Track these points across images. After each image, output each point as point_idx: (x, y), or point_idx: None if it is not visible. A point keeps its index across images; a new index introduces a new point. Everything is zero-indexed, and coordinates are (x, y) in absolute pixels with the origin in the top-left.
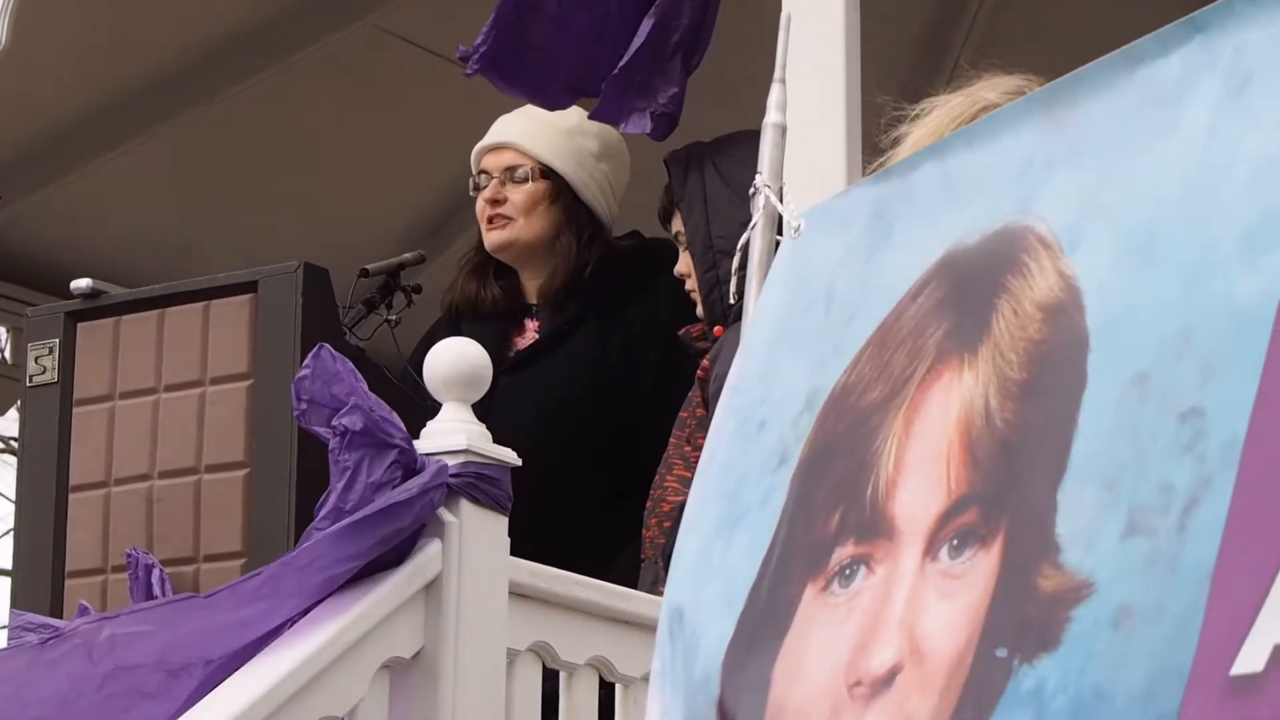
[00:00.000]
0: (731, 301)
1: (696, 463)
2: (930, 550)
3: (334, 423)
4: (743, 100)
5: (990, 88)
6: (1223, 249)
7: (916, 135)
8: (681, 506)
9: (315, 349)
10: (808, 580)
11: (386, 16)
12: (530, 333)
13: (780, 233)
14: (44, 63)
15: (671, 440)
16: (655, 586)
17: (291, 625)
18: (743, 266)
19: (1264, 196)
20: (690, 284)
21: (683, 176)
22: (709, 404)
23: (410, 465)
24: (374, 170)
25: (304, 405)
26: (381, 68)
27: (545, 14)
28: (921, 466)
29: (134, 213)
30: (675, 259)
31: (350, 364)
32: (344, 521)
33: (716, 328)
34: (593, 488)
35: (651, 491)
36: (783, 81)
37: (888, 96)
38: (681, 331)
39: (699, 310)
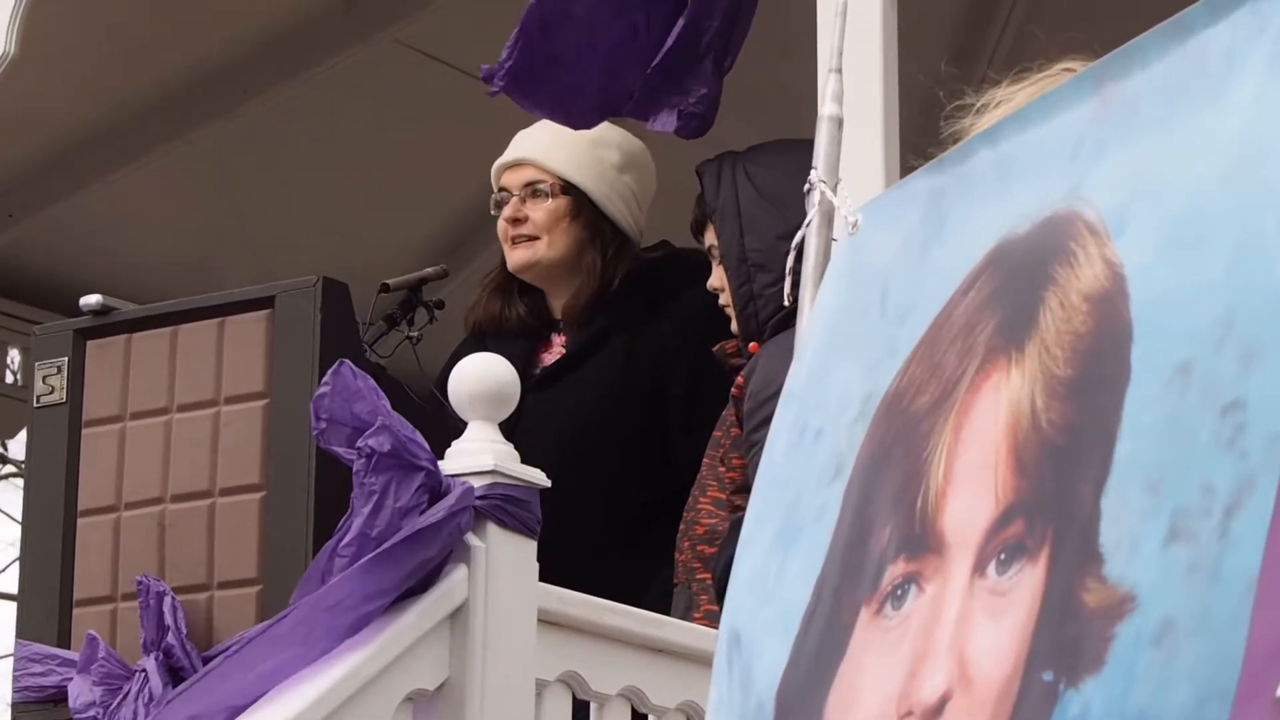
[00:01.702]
0: (786, 303)
1: (731, 484)
2: (979, 566)
3: (359, 444)
4: (772, 110)
5: (1064, 73)
6: (1266, 226)
7: (983, 126)
8: (714, 530)
9: (335, 365)
10: (862, 602)
11: (405, 30)
12: (557, 349)
13: (834, 230)
14: (55, 76)
15: (705, 460)
16: (689, 613)
17: None
18: (797, 266)
19: None
20: (724, 298)
21: (715, 187)
22: (743, 422)
23: (436, 488)
24: (394, 185)
25: (323, 424)
26: (401, 82)
27: (571, 29)
28: (971, 475)
29: (148, 230)
30: (706, 270)
31: (372, 381)
32: (371, 554)
33: (752, 344)
34: (623, 509)
35: (684, 514)
36: (839, 71)
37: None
38: (715, 347)
39: (733, 325)
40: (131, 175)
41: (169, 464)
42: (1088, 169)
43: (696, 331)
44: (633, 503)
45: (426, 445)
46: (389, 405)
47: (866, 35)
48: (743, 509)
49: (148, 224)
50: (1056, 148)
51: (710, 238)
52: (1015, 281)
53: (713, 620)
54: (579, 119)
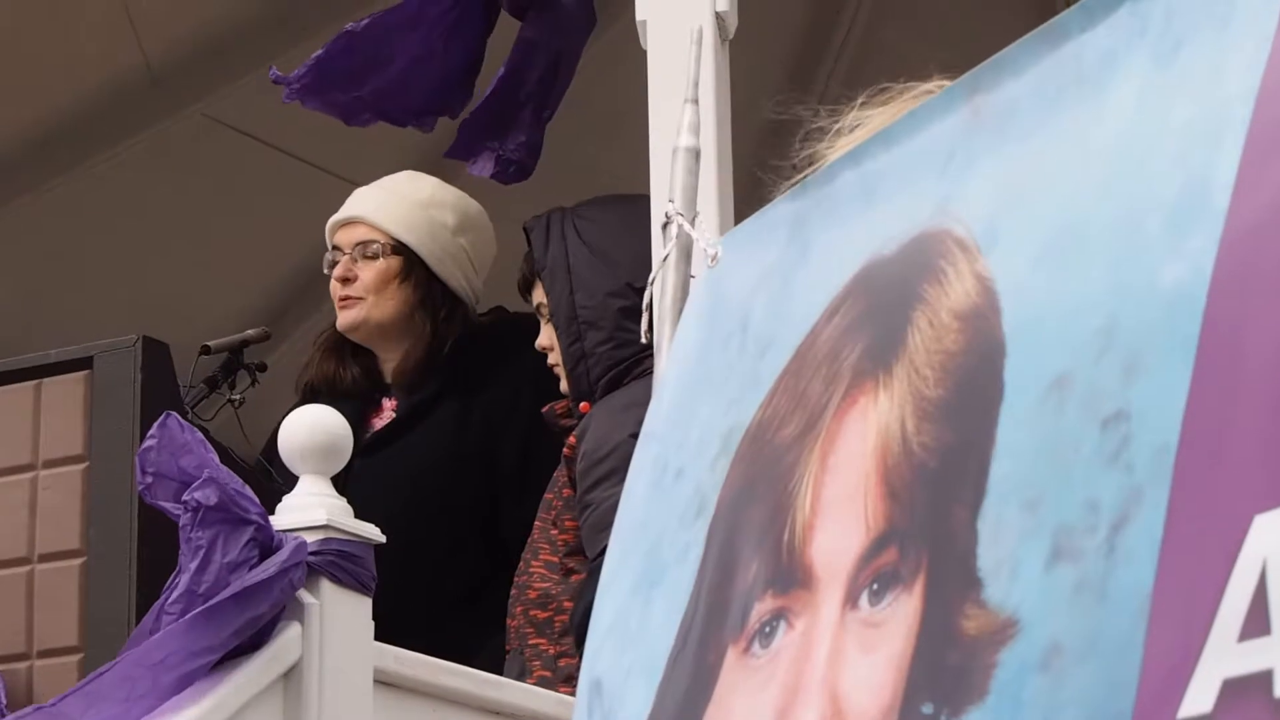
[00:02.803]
0: (644, 340)
1: (564, 546)
2: (850, 597)
3: (186, 497)
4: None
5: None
6: (1148, 230)
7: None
8: (547, 594)
9: (161, 418)
10: (729, 642)
11: (213, 105)
12: (388, 413)
13: (692, 264)
14: None
15: (537, 524)
16: (522, 679)
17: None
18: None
19: (1189, 167)
20: (553, 357)
21: (544, 243)
22: (576, 483)
23: (267, 543)
24: (210, 255)
25: (149, 479)
26: (210, 155)
27: (374, 52)
28: (839, 504)
29: None
30: (537, 333)
31: (200, 434)
32: (197, 609)
33: (583, 404)
34: (453, 575)
35: (516, 578)
36: (695, 101)
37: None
38: (545, 409)
39: (563, 385)
40: None
41: None
42: (957, 183)
43: (529, 395)
44: (463, 569)
45: (257, 499)
46: (217, 458)
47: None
48: (576, 571)
49: None
50: (924, 164)
51: (539, 295)
52: (882, 303)
53: (546, 686)
54: (353, 116)
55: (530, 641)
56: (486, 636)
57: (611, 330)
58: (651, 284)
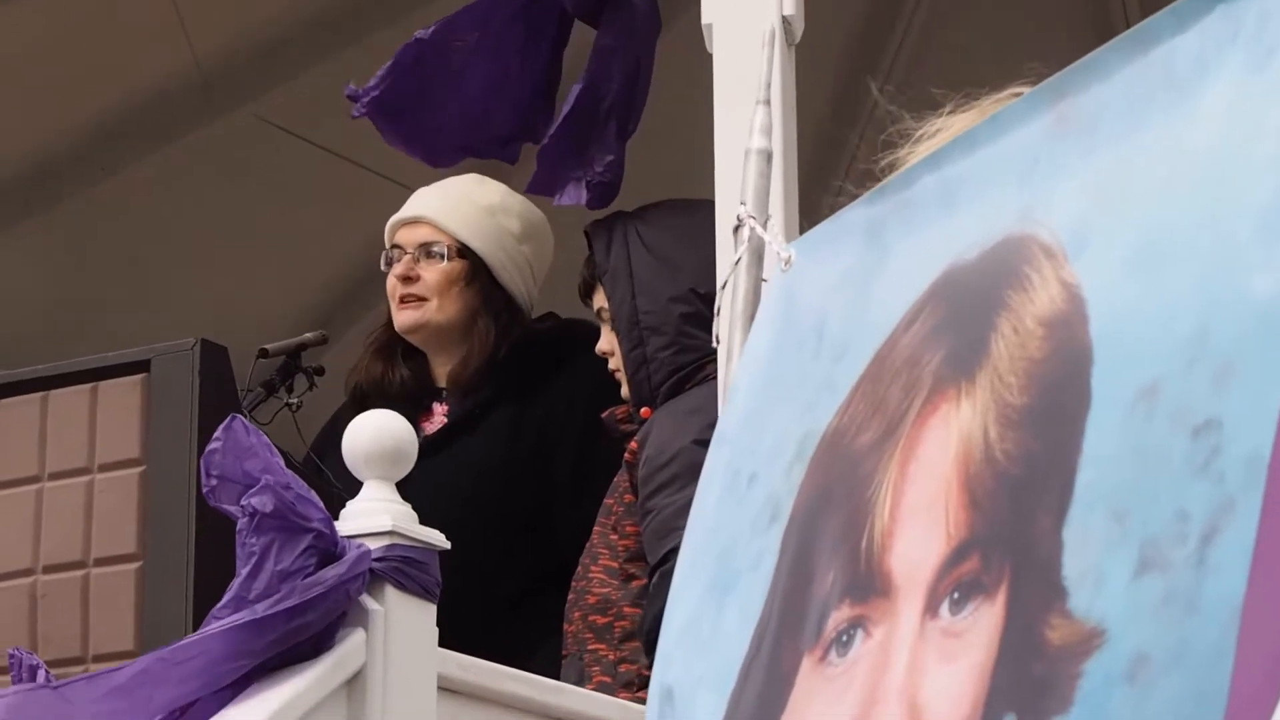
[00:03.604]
0: (715, 344)
1: (625, 551)
2: (930, 607)
3: (243, 502)
4: (674, 166)
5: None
6: (1239, 237)
7: (923, 154)
8: (607, 599)
9: (227, 420)
10: (804, 651)
11: (265, 106)
12: (439, 417)
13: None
14: None
15: (596, 529)
16: (581, 683)
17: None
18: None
19: None
20: (614, 363)
21: (606, 248)
22: (638, 489)
23: (329, 550)
24: (261, 257)
25: (214, 482)
26: (262, 157)
27: (444, 65)
28: (919, 513)
29: (10, 305)
30: (594, 338)
31: (265, 438)
32: (242, 617)
33: (644, 409)
34: (508, 581)
35: (574, 583)
36: (767, 103)
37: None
38: (605, 414)
39: (624, 391)
40: None
41: (40, 534)
42: (1042, 189)
43: (585, 401)
44: (517, 575)
45: (322, 505)
46: (283, 462)
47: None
48: (637, 577)
49: (9, 299)
50: (1007, 169)
51: (600, 300)
52: (964, 310)
53: (605, 691)
54: (439, 156)
55: (589, 647)
56: (541, 641)
57: (674, 335)
58: (723, 288)
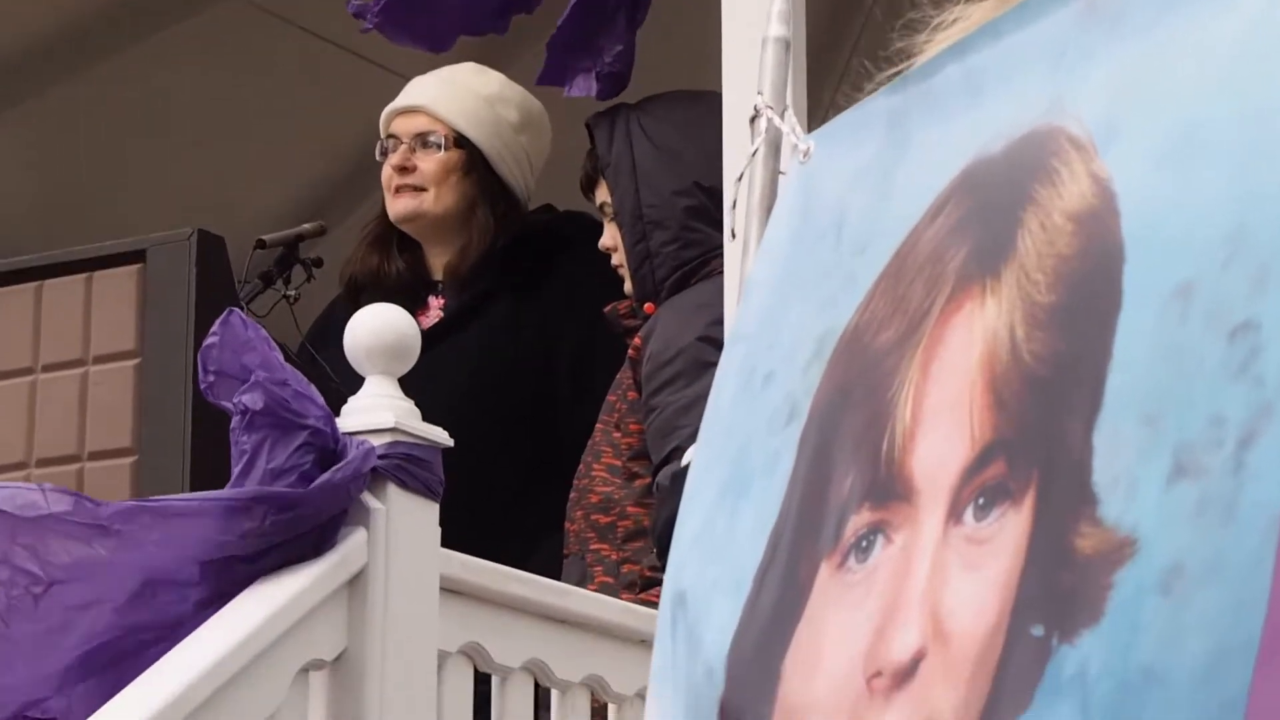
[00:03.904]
0: (730, 238)
1: (628, 449)
2: (954, 512)
3: (234, 400)
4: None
5: None
6: (1277, 130)
7: (942, 43)
8: (609, 498)
9: (225, 314)
10: (822, 556)
11: None
12: (434, 311)
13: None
14: None
15: (598, 426)
16: (582, 585)
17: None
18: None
19: None
20: (617, 258)
21: (608, 141)
22: (642, 386)
23: (327, 447)
24: (254, 148)
25: (211, 378)
26: (254, 44)
27: None
28: (942, 414)
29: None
30: (595, 231)
31: (264, 332)
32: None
33: (647, 304)
34: (507, 476)
35: (576, 481)
36: None
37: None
38: (608, 308)
39: (627, 286)
40: None
41: (34, 427)
42: (1071, 79)
43: (586, 294)
44: (517, 472)
45: (321, 400)
46: (282, 357)
47: None
48: (640, 475)
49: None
50: (1035, 58)
51: (602, 194)
52: (989, 204)
53: (607, 592)
54: (438, 41)
55: (592, 547)
56: (541, 538)
57: (678, 230)
58: (738, 181)
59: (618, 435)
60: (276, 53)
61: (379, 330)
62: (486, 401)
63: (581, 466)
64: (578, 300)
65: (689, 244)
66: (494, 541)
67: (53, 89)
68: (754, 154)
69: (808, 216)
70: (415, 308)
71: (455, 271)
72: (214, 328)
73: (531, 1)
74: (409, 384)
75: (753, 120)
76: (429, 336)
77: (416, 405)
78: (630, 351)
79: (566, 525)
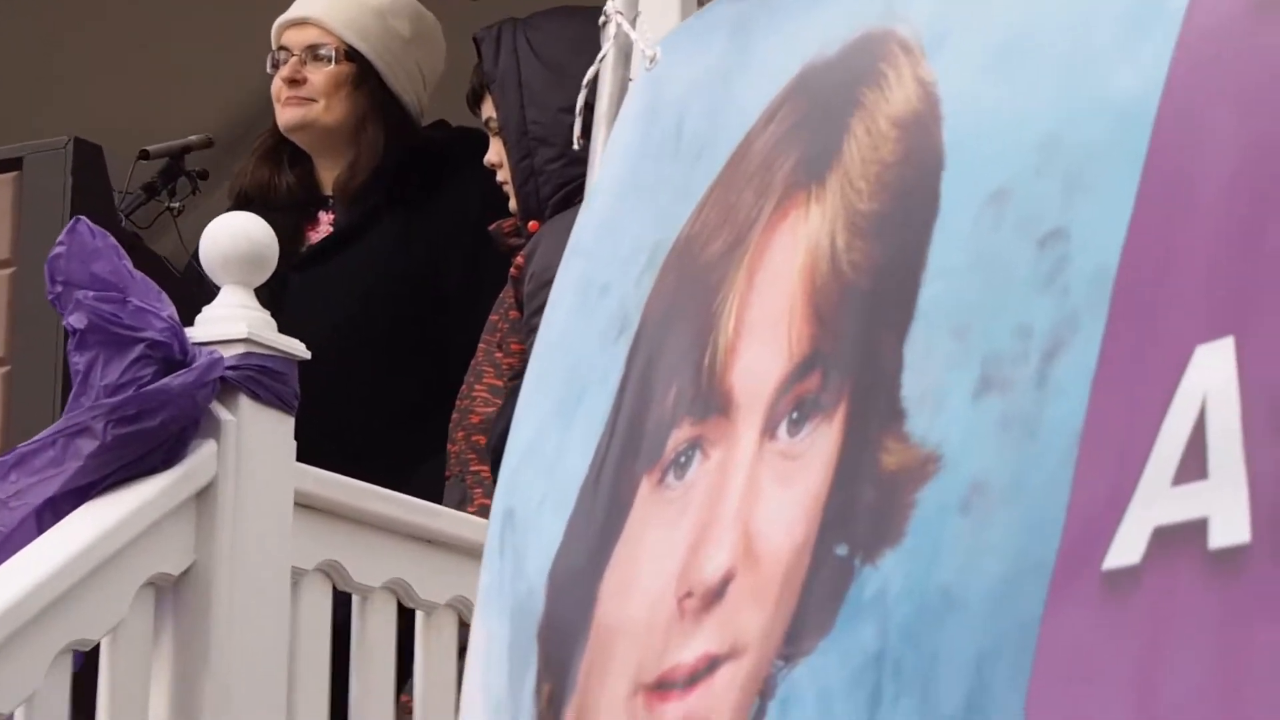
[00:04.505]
0: (576, 146)
1: (509, 370)
2: (769, 427)
3: (65, 322)
4: None
5: None
6: (1099, 36)
7: None
8: (490, 419)
9: (71, 223)
10: (643, 472)
11: None
12: (325, 226)
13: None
14: None
15: (481, 346)
16: (462, 507)
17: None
18: (589, 107)
19: None
20: (502, 174)
21: (494, 55)
22: (523, 305)
23: (172, 358)
24: (168, 66)
25: (59, 288)
26: None
27: None
28: (762, 326)
29: None
30: (485, 148)
31: (113, 240)
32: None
33: (531, 222)
34: (392, 397)
35: (458, 402)
36: None
37: None
38: (492, 227)
39: (511, 204)
40: None
41: None
42: None
43: (476, 211)
44: (402, 392)
45: (164, 310)
46: (130, 265)
47: None
48: None
49: None
50: None
51: (488, 110)
52: (820, 109)
53: (486, 515)
54: None
55: (472, 468)
56: (424, 459)
57: (563, 147)
58: (586, 86)
59: (499, 355)
60: None
61: (234, 239)
62: (374, 319)
63: (464, 386)
64: (466, 219)
65: (574, 161)
66: (379, 461)
67: None
68: (601, 59)
69: (651, 123)
70: (305, 222)
71: (345, 187)
72: (60, 237)
73: None
74: (298, 299)
75: (603, 26)
76: (318, 252)
77: (303, 320)
78: (512, 270)
79: (448, 446)
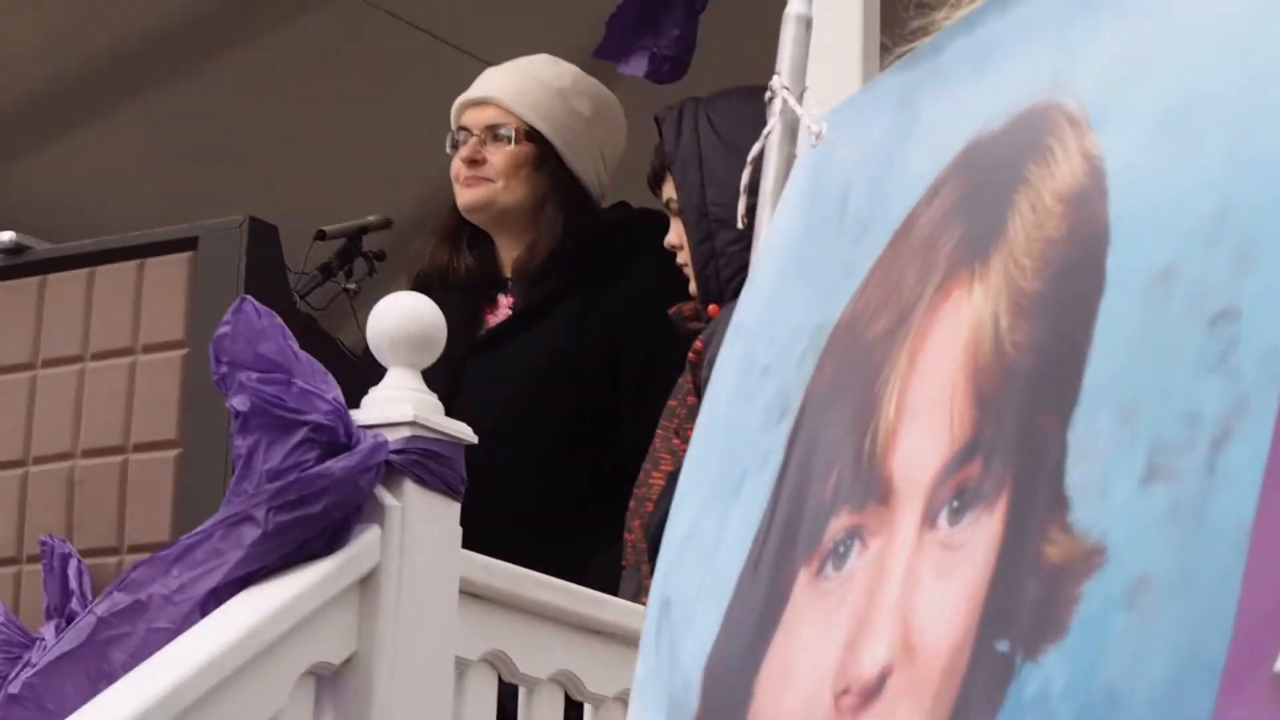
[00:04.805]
0: (740, 224)
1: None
2: (929, 515)
3: (227, 403)
4: (754, 56)
5: None
6: (1269, 100)
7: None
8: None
9: (236, 302)
10: (801, 562)
11: None
12: (504, 309)
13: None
14: (12, 31)
15: (659, 432)
16: (637, 597)
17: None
18: (753, 184)
19: None
20: (682, 256)
21: (675, 135)
22: (701, 391)
23: (336, 441)
24: (360, 149)
25: (224, 369)
26: (367, 44)
27: None
28: (925, 410)
29: (104, 190)
30: (665, 230)
31: (279, 319)
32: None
33: (711, 306)
34: (568, 484)
35: (635, 490)
36: None
37: None
38: (672, 310)
39: (691, 286)
40: (89, 135)
41: (81, 416)
42: (1075, 53)
43: (654, 297)
44: (578, 478)
45: (330, 391)
46: (296, 346)
47: None
48: None
49: (104, 185)
50: (1043, 30)
51: (669, 190)
52: (985, 185)
53: None
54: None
55: (649, 558)
56: (599, 548)
57: (744, 229)
58: (751, 163)
59: (677, 442)
60: (394, 52)
61: (402, 319)
62: (550, 402)
63: (641, 474)
64: (646, 302)
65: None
66: (552, 548)
67: (165, 85)
68: (767, 134)
69: (815, 202)
70: (484, 305)
71: (524, 269)
72: (226, 316)
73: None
74: (475, 383)
75: (769, 101)
76: (496, 335)
77: (479, 404)
78: (690, 354)
79: (624, 535)
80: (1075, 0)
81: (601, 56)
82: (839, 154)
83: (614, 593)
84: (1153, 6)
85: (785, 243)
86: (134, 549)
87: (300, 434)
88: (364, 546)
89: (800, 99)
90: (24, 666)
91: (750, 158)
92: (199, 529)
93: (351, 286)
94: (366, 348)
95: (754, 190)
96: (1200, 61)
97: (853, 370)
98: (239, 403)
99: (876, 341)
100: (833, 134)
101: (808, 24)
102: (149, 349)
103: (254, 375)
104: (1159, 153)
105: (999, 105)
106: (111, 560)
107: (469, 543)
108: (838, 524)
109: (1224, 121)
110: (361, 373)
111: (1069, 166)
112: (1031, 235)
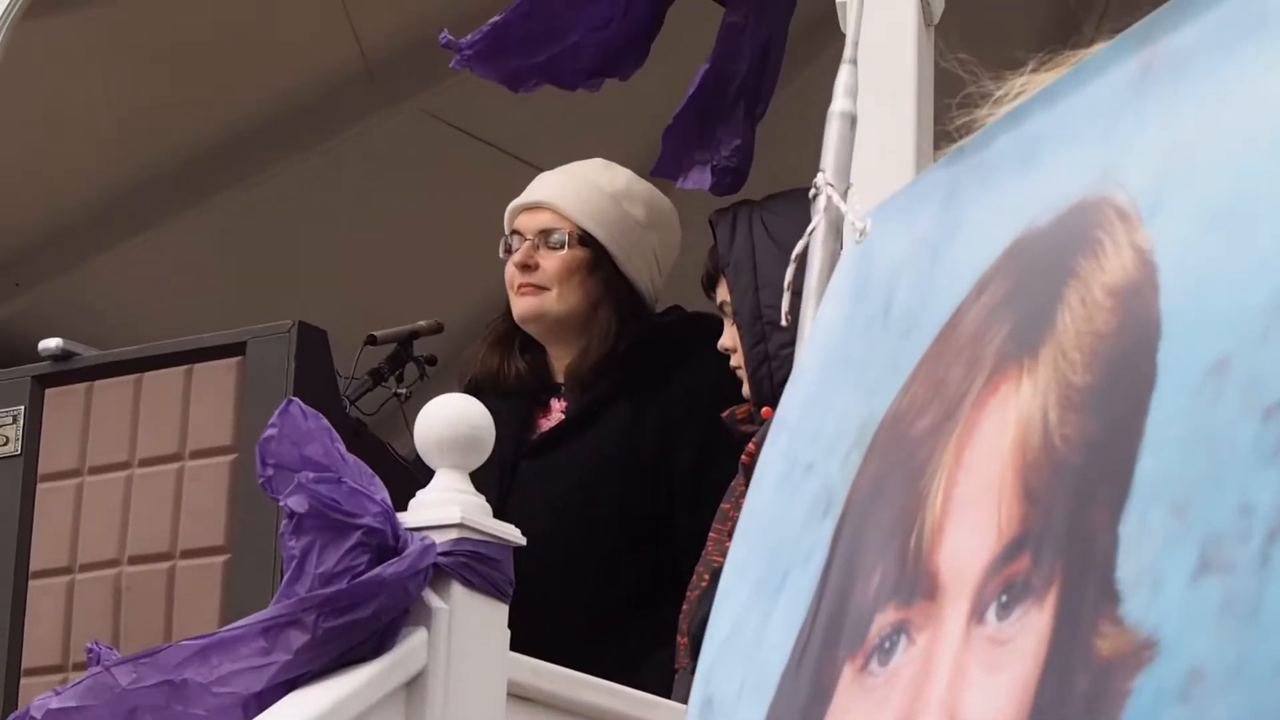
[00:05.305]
0: (784, 322)
1: None
2: (977, 610)
3: (281, 503)
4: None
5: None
6: None
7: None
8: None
9: (283, 405)
10: (845, 659)
11: (431, 100)
12: (556, 413)
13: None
14: (69, 142)
15: (711, 535)
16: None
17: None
18: (798, 283)
19: None
20: (736, 359)
21: (729, 239)
22: None
23: (386, 544)
24: (413, 254)
25: (270, 471)
26: (425, 152)
27: (547, 14)
28: (971, 505)
29: (159, 301)
30: (719, 333)
31: (325, 422)
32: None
33: (765, 409)
34: (620, 586)
35: (688, 593)
36: (853, 63)
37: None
38: (725, 413)
39: (745, 389)
40: (144, 244)
41: (128, 523)
42: (1124, 146)
43: (709, 398)
44: (630, 580)
45: (379, 495)
46: (343, 449)
47: (899, 22)
48: None
49: (159, 295)
50: (1089, 124)
51: (723, 293)
52: (1033, 280)
53: None
54: (518, 84)
55: (691, 657)
56: (653, 651)
57: (797, 332)
58: (795, 260)
59: (729, 544)
60: (445, 158)
61: (450, 422)
62: (602, 506)
63: (694, 577)
64: (698, 406)
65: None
66: (603, 650)
67: (227, 192)
68: (811, 230)
69: (859, 299)
70: (537, 409)
71: (577, 373)
72: (271, 419)
73: (625, 69)
74: (527, 487)
75: (813, 198)
76: (548, 440)
77: (532, 508)
78: (744, 457)
79: (679, 639)
80: (1124, 92)
81: (659, 174)
82: (884, 250)
83: (666, 694)
84: (1202, 97)
85: (829, 340)
86: None
87: (354, 538)
88: (411, 649)
89: (845, 195)
90: None
91: (794, 255)
92: (240, 622)
93: (403, 391)
94: (418, 458)
95: (799, 289)
96: (1251, 152)
97: (898, 466)
98: (295, 503)
99: (922, 438)
100: (877, 230)
101: (852, 121)
102: (197, 454)
103: (310, 475)
104: (1211, 245)
105: (1047, 200)
106: None
107: (519, 644)
108: (884, 619)
109: (1275, 212)
110: (413, 478)
111: (1119, 260)
112: (1081, 329)
